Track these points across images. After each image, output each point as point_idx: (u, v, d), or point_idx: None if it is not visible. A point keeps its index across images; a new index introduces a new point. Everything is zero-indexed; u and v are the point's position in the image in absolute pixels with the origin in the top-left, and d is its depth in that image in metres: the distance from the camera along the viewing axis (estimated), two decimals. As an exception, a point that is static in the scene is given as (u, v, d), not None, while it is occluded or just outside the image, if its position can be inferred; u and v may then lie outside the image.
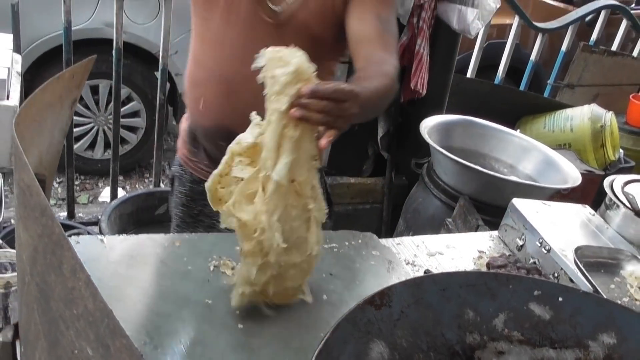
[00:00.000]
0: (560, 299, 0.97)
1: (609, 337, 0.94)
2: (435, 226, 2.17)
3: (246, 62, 1.14)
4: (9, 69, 2.14)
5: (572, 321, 0.95)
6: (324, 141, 1.07)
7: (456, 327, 0.90)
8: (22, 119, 0.83)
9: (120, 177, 3.52)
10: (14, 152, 0.75)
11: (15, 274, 1.17)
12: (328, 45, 1.58)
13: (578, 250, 1.42)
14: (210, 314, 1.18)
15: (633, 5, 4.49)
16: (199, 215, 1.83)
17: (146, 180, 3.89)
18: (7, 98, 2.09)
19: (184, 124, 1.82)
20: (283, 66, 1.03)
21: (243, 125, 1.25)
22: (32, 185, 0.66)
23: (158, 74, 2.95)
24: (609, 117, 3.21)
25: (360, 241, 1.54)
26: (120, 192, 3.31)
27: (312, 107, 1.02)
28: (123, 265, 1.25)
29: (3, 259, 1.26)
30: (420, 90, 2.58)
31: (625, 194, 1.79)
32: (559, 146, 3.14)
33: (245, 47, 1.42)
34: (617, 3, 3.86)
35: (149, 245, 1.35)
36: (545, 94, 3.87)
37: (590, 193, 2.86)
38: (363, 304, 0.85)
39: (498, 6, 2.58)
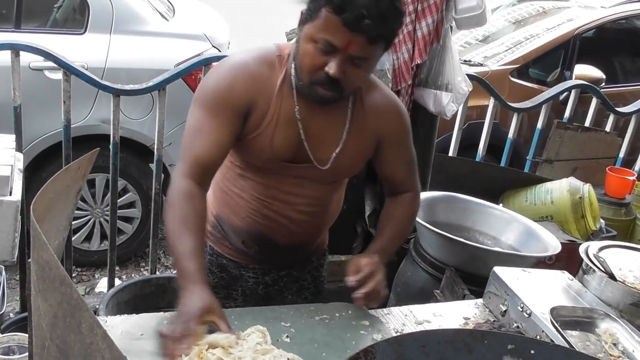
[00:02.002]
0: (532, 351, 1.05)
1: (578, 385, 1.01)
2: (424, 298, 2.24)
3: (290, 202, 1.70)
4: (11, 166, 2.26)
5: (544, 372, 1.03)
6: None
7: (436, 380, 0.97)
8: (37, 205, 0.94)
9: (117, 267, 3.58)
10: (32, 233, 0.85)
11: (24, 355, 1.24)
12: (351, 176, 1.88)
13: (554, 311, 1.50)
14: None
15: (603, 84, 4.75)
16: (216, 287, 1.88)
17: (142, 270, 3.95)
18: (10, 194, 2.20)
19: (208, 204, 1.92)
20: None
21: (271, 230, 1.74)
22: (51, 260, 0.76)
23: (153, 166, 3.09)
24: (586, 189, 3.35)
25: (350, 312, 1.62)
26: (117, 282, 3.36)
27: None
28: (125, 341, 1.32)
29: (11, 343, 1.33)
30: (402, 169, 2.72)
31: (599, 259, 1.88)
32: (541, 218, 3.25)
33: (292, 193, 1.72)
34: (585, 83, 4.09)
35: (150, 323, 1.42)
36: (526, 169, 4.02)
37: (575, 262, 2.95)
38: (349, 360, 0.93)
39: (470, 89, 2.76)
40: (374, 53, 1.53)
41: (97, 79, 2.80)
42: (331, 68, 1.47)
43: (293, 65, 1.58)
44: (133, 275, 3.87)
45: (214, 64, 2.76)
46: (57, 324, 0.72)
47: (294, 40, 1.60)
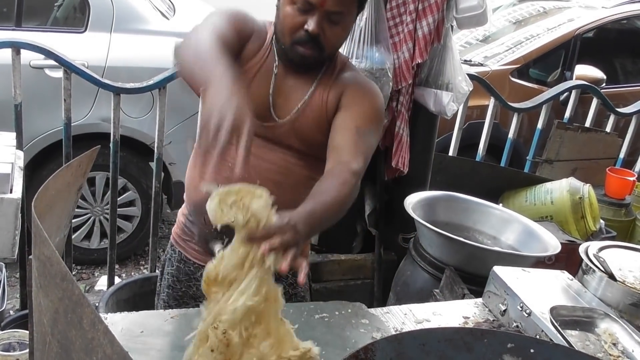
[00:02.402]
0: (532, 350, 1.06)
1: (578, 383, 1.02)
2: (424, 297, 2.24)
3: (258, 165, 1.61)
4: (12, 164, 2.27)
5: (543, 370, 1.03)
6: (301, 276, 1.20)
7: (436, 378, 0.97)
8: (38, 202, 0.94)
9: (116, 266, 3.58)
10: (33, 229, 0.85)
11: (24, 351, 1.24)
12: (320, 146, 1.69)
13: (553, 310, 1.50)
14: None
15: (604, 84, 4.75)
16: (183, 297, 1.88)
17: (142, 268, 3.95)
18: (11, 192, 2.20)
19: (184, 210, 1.90)
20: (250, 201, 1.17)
21: None
22: (52, 256, 0.76)
23: (153, 164, 3.09)
24: (586, 190, 3.35)
25: (350, 311, 1.62)
26: (117, 280, 3.37)
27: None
28: (125, 338, 1.32)
29: (12, 339, 1.33)
30: (402, 169, 2.72)
31: (599, 259, 1.88)
32: (541, 218, 3.25)
33: (255, 155, 1.58)
34: (586, 83, 4.10)
35: (149, 320, 1.42)
36: (526, 170, 4.02)
37: (574, 263, 2.95)
38: (349, 357, 0.93)
39: (471, 89, 2.76)
40: (349, 8, 1.61)
41: (97, 77, 2.80)
42: (310, 25, 1.56)
43: (275, 29, 1.68)
44: (133, 273, 3.87)
45: None
46: (59, 320, 0.72)
47: None
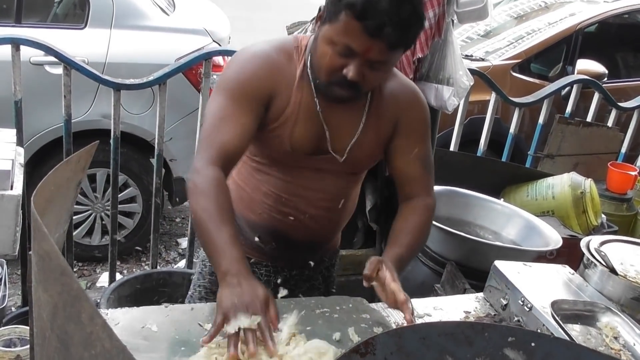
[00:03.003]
0: (532, 344, 1.05)
1: (579, 377, 1.01)
2: (425, 292, 2.23)
3: (308, 197, 1.67)
4: (12, 161, 2.26)
5: (544, 364, 1.03)
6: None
7: (436, 372, 0.97)
8: (38, 197, 0.93)
9: (118, 262, 3.59)
10: (32, 224, 0.85)
11: (25, 347, 1.24)
12: (369, 168, 1.81)
13: (554, 304, 1.50)
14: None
15: (605, 79, 4.74)
16: None
17: (143, 265, 3.95)
18: (11, 188, 2.20)
19: None
20: None
21: (289, 226, 1.71)
22: (51, 250, 0.76)
23: (154, 160, 3.09)
24: (588, 184, 3.34)
25: (350, 305, 1.62)
26: (118, 277, 3.37)
27: None
28: (126, 333, 1.32)
29: (12, 335, 1.33)
30: (404, 164, 2.72)
31: (600, 253, 1.88)
32: (542, 213, 3.25)
33: (310, 188, 1.69)
34: (587, 78, 4.09)
35: (151, 315, 1.42)
36: (527, 165, 4.02)
37: (576, 257, 2.95)
38: (349, 352, 0.93)
39: (472, 83, 2.76)
40: (394, 57, 1.52)
41: (97, 73, 2.80)
42: (349, 71, 1.45)
43: (309, 60, 1.58)
44: (134, 269, 3.87)
45: (229, 57, 2.73)
46: (58, 314, 0.72)
47: (309, 30, 1.59)
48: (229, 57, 3.75)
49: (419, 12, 1.47)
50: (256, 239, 1.77)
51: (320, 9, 1.51)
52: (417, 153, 1.71)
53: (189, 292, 1.92)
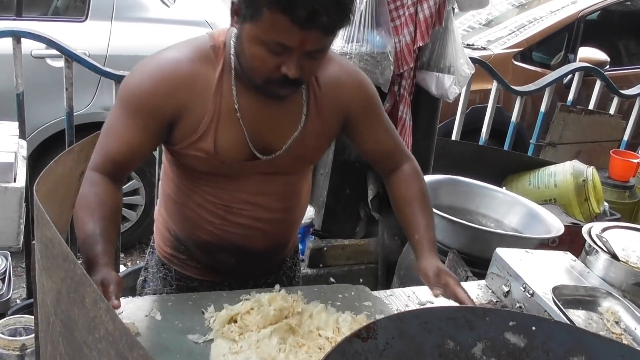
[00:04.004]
0: (533, 328, 1.06)
1: (579, 360, 1.02)
2: (427, 281, 2.24)
3: (259, 203, 1.55)
4: (15, 153, 2.27)
5: (544, 347, 1.04)
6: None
7: (437, 356, 0.98)
8: (40, 186, 0.94)
9: (122, 254, 3.60)
10: (35, 212, 0.86)
11: (30, 336, 1.25)
12: (318, 161, 1.75)
13: (556, 290, 1.50)
14: None
15: (607, 67, 4.73)
16: None
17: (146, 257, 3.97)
18: (14, 180, 2.21)
19: (162, 228, 1.74)
20: None
21: (245, 237, 1.59)
22: (54, 237, 0.76)
23: (156, 153, 3.09)
24: (590, 172, 3.34)
25: (353, 293, 1.63)
26: (122, 269, 3.38)
27: None
28: (130, 320, 1.33)
29: (17, 325, 1.35)
30: (405, 153, 2.72)
31: (602, 239, 1.88)
32: (545, 201, 3.25)
33: (260, 193, 1.57)
34: (589, 65, 4.08)
35: (154, 304, 1.43)
36: (529, 153, 4.02)
37: (578, 245, 2.95)
38: (351, 337, 0.94)
39: (473, 72, 2.75)
40: (332, 40, 1.37)
41: (98, 65, 2.80)
42: (289, 69, 1.32)
43: (233, 56, 1.43)
44: (138, 262, 3.88)
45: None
46: (62, 300, 0.73)
47: (227, 27, 1.44)
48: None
49: None
50: (213, 260, 1.66)
51: (233, 3, 1.34)
52: (380, 128, 1.65)
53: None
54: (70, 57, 2.68)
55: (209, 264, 1.68)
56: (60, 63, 2.81)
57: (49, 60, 3.37)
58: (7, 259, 2.32)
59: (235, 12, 1.35)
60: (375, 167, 1.78)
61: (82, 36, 3.51)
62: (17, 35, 2.61)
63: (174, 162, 1.57)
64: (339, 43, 2.49)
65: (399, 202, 1.70)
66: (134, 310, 1.41)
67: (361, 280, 2.76)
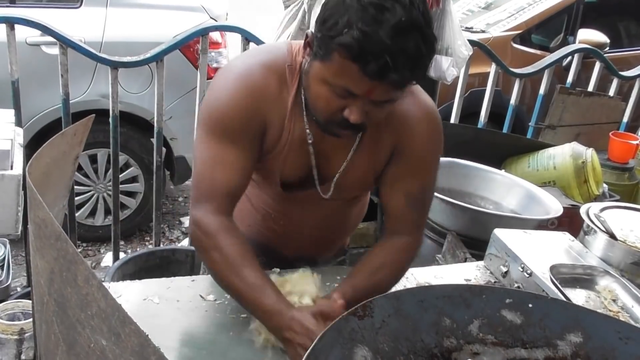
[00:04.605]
0: (530, 305, 1.06)
1: (575, 336, 1.02)
2: (426, 263, 2.23)
3: (301, 219, 1.54)
4: (11, 140, 2.27)
5: (541, 324, 1.04)
6: None
7: (434, 333, 0.98)
8: (33, 168, 0.94)
9: (122, 242, 3.61)
10: (28, 194, 0.85)
11: (28, 320, 1.25)
12: (366, 192, 1.68)
13: (553, 269, 1.50)
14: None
15: (607, 48, 4.70)
16: None
17: (147, 244, 3.98)
18: (11, 168, 2.21)
19: None
20: None
21: (279, 243, 1.60)
22: (46, 218, 0.76)
23: (154, 139, 3.09)
24: (589, 154, 3.33)
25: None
26: (122, 256, 3.39)
27: None
28: (128, 305, 1.33)
29: (16, 309, 1.35)
30: (404, 136, 2.71)
31: (600, 219, 1.88)
32: (544, 184, 3.24)
33: (304, 210, 1.55)
34: (588, 47, 4.06)
35: (153, 287, 1.44)
36: (528, 136, 4.01)
37: (577, 227, 2.95)
38: (347, 315, 0.94)
39: (470, 53, 2.74)
40: (402, 93, 1.27)
41: (94, 51, 2.78)
42: (351, 114, 1.24)
43: (303, 93, 1.36)
44: (138, 249, 3.89)
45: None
46: (55, 279, 0.73)
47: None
48: (226, 34, 3.69)
49: (428, 38, 1.19)
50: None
51: (307, 35, 1.28)
52: (404, 186, 1.47)
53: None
54: (65, 43, 2.66)
55: None
56: (55, 50, 2.79)
57: (44, 48, 3.36)
58: (5, 246, 2.32)
59: (308, 44, 1.28)
60: (384, 216, 1.60)
61: (77, 23, 3.49)
62: (10, 22, 2.59)
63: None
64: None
65: (366, 256, 1.52)
66: (132, 294, 1.41)
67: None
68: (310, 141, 1.41)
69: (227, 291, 1.34)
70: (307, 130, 1.39)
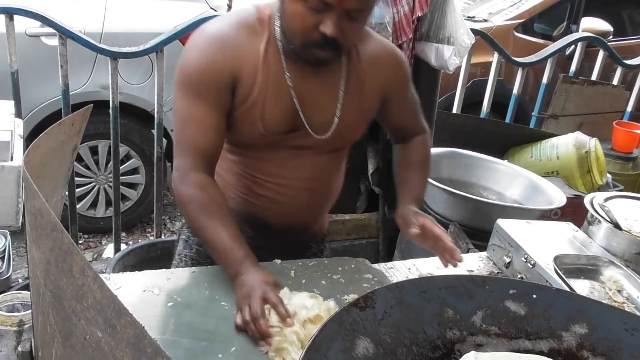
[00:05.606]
0: (534, 296, 1.05)
1: (580, 327, 1.01)
2: (429, 254, 2.21)
3: (286, 177, 1.56)
4: (11, 132, 2.25)
5: (545, 315, 1.02)
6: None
7: (437, 324, 0.97)
8: (29, 158, 0.92)
9: (123, 234, 3.60)
10: (24, 184, 0.84)
11: (28, 312, 1.25)
12: (354, 142, 1.72)
13: (557, 259, 1.49)
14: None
15: (611, 37, 4.67)
16: None
17: (148, 235, 3.97)
18: (11, 159, 2.19)
19: None
20: None
21: (266, 211, 1.60)
22: (42, 208, 0.75)
23: (154, 130, 3.07)
24: (593, 143, 3.31)
25: (353, 266, 1.61)
26: (123, 247, 3.38)
27: None
28: (128, 296, 1.32)
29: (15, 301, 1.34)
30: (406, 126, 2.69)
31: (604, 208, 1.86)
32: (547, 174, 3.23)
33: (288, 167, 1.58)
34: (592, 35, 4.02)
35: (152, 279, 1.42)
36: (531, 126, 3.98)
37: (580, 217, 2.94)
38: (348, 306, 0.93)
39: (473, 42, 2.71)
40: (372, 4, 1.39)
41: (93, 42, 2.76)
42: (327, 27, 1.32)
43: (278, 27, 1.44)
44: (139, 240, 3.88)
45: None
46: (50, 270, 0.71)
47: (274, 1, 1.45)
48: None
49: None
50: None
51: None
52: (409, 107, 1.73)
53: (174, 262, 1.79)
54: (64, 34, 2.64)
55: None
56: (55, 41, 2.77)
57: (44, 39, 3.33)
58: (6, 238, 2.31)
59: None
60: (390, 135, 1.85)
61: (76, 14, 3.46)
62: (9, 12, 2.57)
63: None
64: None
65: (398, 165, 1.77)
66: (132, 285, 1.40)
67: (362, 254, 2.75)
68: (290, 83, 1.47)
69: (203, 243, 1.45)
70: (287, 74, 1.46)
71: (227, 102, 1.46)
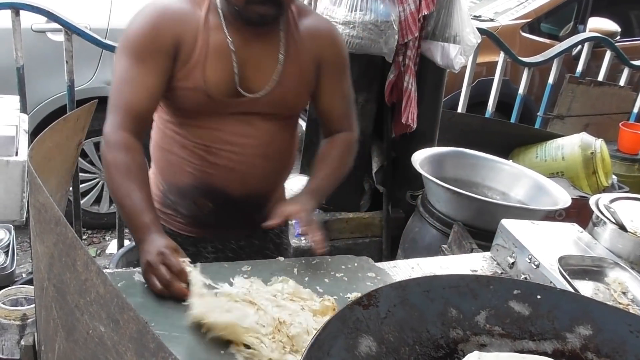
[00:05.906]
0: (538, 296, 1.04)
1: (585, 329, 1.00)
2: (432, 253, 2.22)
3: (238, 144, 1.60)
4: (16, 127, 2.26)
5: (550, 316, 1.02)
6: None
7: (440, 324, 0.96)
8: (35, 152, 0.92)
9: (126, 230, 3.60)
10: (29, 178, 0.84)
11: (31, 306, 1.25)
12: (301, 108, 1.80)
13: (562, 260, 1.48)
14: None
15: (618, 37, 4.65)
16: None
17: (152, 232, 3.97)
18: (16, 154, 2.20)
19: (154, 186, 1.76)
20: None
21: (223, 180, 1.62)
22: (46, 202, 0.75)
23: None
24: (598, 144, 3.30)
25: (356, 264, 1.61)
26: (127, 243, 3.39)
27: None
28: (131, 292, 1.32)
29: (19, 295, 1.34)
30: (411, 124, 2.69)
31: (609, 210, 1.85)
32: (552, 175, 3.21)
33: (239, 134, 1.62)
34: (599, 35, 4.00)
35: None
36: (536, 126, 3.97)
37: (585, 218, 2.92)
38: (352, 304, 0.92)
39: (479, 41, 2.70)
40: None
41: (98, 37, 2.77)
42: None
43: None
44: (143, 236, 3.88)
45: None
46: (54, 265, 0.71)
47: None
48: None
49: None
50: (192, 204, 1.70)
51: None
52: (340, 92, 1.74)
53: None
54: (70, 29, 2.65)
55: (191, 215, 1.72)
56: (61, 37, 2.78)
57: (50, 35, 3.34)
58: (10, 232, 2.32)
59: None
60: (321, 126, 1.85)
61: (82, 9, 3.47)
62: (15, 7, 2.58)
63: (163, 103, 1.63)
64: (343, 12, 2.45)
65: (317, 157, 1.77)
66: (134, 280, 1.39)
67: (365, 253, 2.75)
68: (232, 47, 1.54)
69: (115, 201, 1.47)
70: (229, 39, 1.54)
71: (166, 66, 1.52)
